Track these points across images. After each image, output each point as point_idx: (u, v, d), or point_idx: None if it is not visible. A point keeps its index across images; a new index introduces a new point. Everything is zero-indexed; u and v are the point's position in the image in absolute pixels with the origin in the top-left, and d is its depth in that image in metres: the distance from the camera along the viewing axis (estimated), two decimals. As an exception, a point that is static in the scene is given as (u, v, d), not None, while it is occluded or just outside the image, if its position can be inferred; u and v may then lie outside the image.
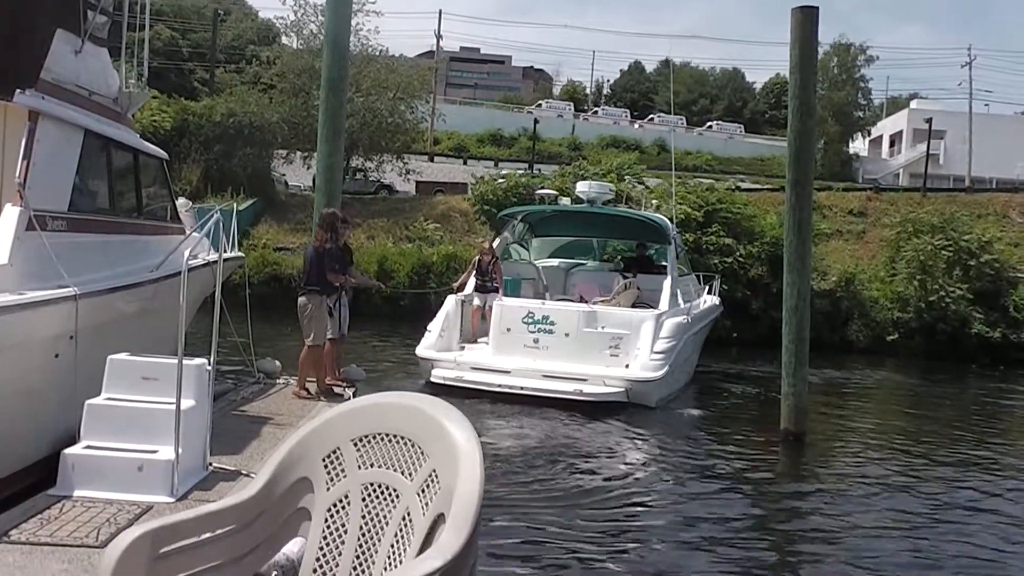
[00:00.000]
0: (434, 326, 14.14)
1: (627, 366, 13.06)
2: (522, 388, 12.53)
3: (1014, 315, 25.66)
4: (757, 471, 10.35)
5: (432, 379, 13.22)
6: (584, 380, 12.70)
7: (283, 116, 34.31)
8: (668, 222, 17.03)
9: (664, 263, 16.46)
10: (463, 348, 14.26)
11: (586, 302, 14.57)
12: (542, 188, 21.89)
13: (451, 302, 14.59)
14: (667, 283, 14.81)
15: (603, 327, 13.54)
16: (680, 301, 15.04)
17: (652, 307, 14.34)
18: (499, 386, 12.65)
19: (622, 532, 7.48)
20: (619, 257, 18.59)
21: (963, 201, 34.31)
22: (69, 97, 7.56)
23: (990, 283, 26.01)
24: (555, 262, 17.97)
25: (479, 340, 14.62)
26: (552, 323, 13.58)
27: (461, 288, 15.17)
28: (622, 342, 13.29)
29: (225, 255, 10.67)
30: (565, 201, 18.22)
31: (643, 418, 12.25)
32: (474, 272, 15.13)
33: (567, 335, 13.46)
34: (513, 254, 16.98)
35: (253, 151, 32.54)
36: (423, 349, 13.80)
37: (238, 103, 34.05)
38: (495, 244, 16.10)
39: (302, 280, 10.05)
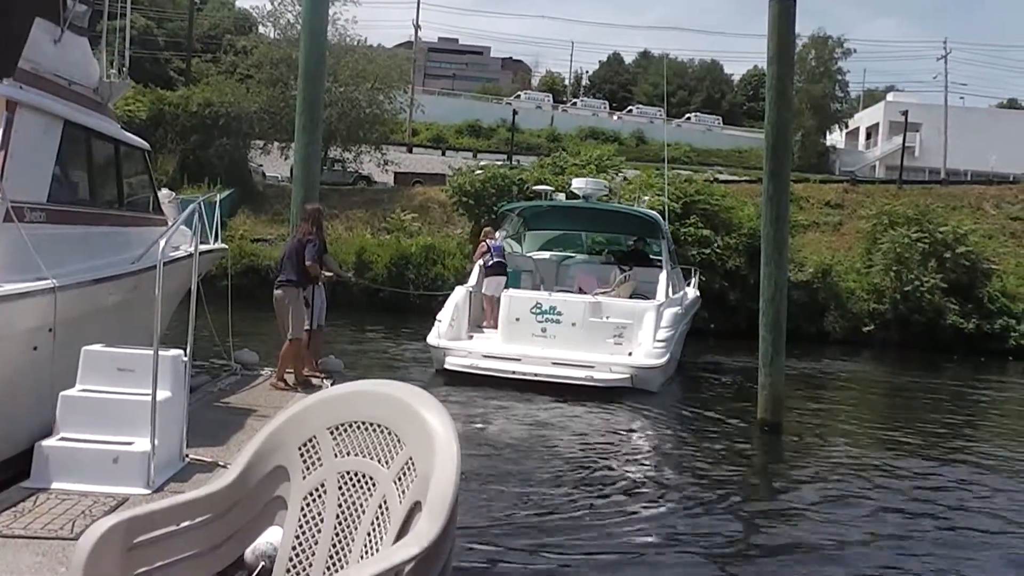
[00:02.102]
0: (444, 315, 14.56)
1: (630, 354, 13.65)
2: (535, 375, 13.09)
3: (988, 306, 25.98)
4: (733, 460, 10.41)
5: (447, 366, 13.71)
6: (592, 367, 13.23)
7: (260, 106, 34.12)
8: (661, 217, 17.47)
9: (653, 256, 17.15)
10: (471, 337, 14.82)
11: (585, 293, 15.09)
12: (539, 184, 22.25)
13: (460, 292, 15.18)
14: (663, 275, 15.51)
15: (607, 317, 14.17)
16: (671, 292, 15.60)
17: (648, 298, 14.88)
18: (513, 373, 13.19)
19: (601, 521, 7.49)
20: (606, 250, 18.80)
21: (938, 193, 34.66)
22: (48, 86, 7.46)
23: (965, 275, 26.32)
24: (547, 255, 18.40)
25: (484, 329, 15.30)
26: (559, 313, 14.21)
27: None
28: (625, 331, 13.91)
29: (207, 247, 10.65)
30: (561, 197, 18.59)
31: (640, 405, 12.61)
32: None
33: (574, 324, 14.10)
34: (507, 247, 17.21)
35: (230, 141, 32.33)
36: (434, 338, 14.20)
37: (215, 93, 33.84)
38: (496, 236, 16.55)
39: (277, 272, 10.00)
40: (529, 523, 7.26)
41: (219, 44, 50.11)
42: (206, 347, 10.75)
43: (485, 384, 12.98)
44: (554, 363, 13.32)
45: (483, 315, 15.56)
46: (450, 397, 12.55)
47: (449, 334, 14.26)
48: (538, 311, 14.25)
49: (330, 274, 10.65)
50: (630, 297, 15.08)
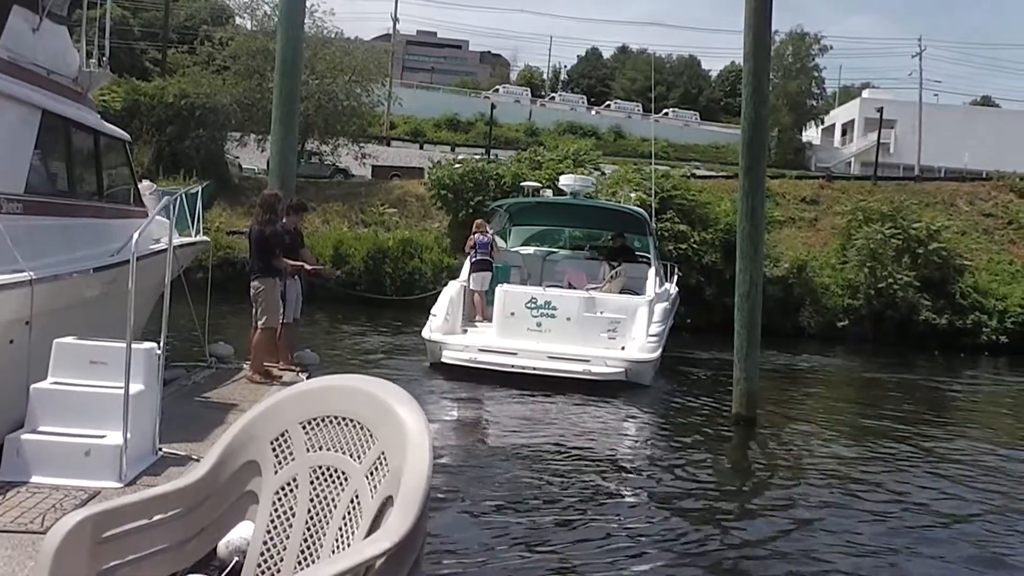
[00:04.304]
0: (438, 309, 14.76)
1: (623, 348, 13.86)
2: (534, 369, 13.32)
3: (960, 302, 26.24)
4: (707, 454, 10.48)
5: (444, 360, 13.89)
6: (588, 360, 13.45)
7: (236, 98, 33.89)
8: (647, 214, 17.65)
9: (639, 252, 17.33)
10: (465, 331, 15.00)
11: (574, 288, 15.27)
12: (525, 180, 22.26)
13: (454, 287, 15.37)
14: (652, 271, 15.84)
15: (601, 312, 14.33)
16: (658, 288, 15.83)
17: (638, 294, 15.13)
18: (511, 367, 13.37)
19: (578, 518, 7.52)
20: (588, 245, 18.86)
21: (912, 190, 34.90)
22: (26, 76, 7.36)
23: (937, 271, 26.55)
24: (531, 250, 18.46)
25: (476, 323, 15.49)
26: (554, 308, 14.40)
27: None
28: (619, 326, 14.10)
29: (189, 239, 10.57)
30: (548, 193, 18.67)
31: (629, 399, 12.84)
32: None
33: (568, 319, 14.30)
34: (497, 243, 17.27)
35: (206, 133, 32.05)
36: (430, 332, 14.36)
37: (191, 84, 33.59)
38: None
39: (251, 264, 9.93)
40: (506, 516, 7.28)
41: (195, 35, 49.79)
42: (182, 340, 10.70)
43: (480, 377, 13.17)
44: (550, 357, 13.53)
45: (473, 309, 15.72)
46: (445, 390, 12.75)
47: (444, 328, 14.43)
48: (533, 306, 14.43)
49: (310, 268, 10.55)
50: (620, 292, 15.29)
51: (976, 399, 17.83)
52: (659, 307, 14.78)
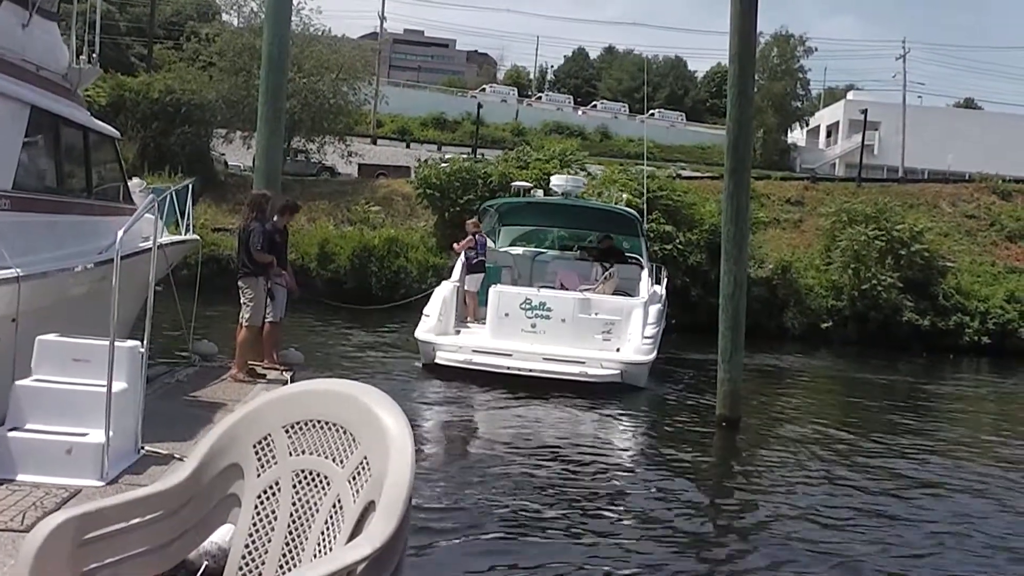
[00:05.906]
0: (431, 310, 14.60)
1: (618, 350, 13.82)
2: (530, 370, 13.23)
3: (943, 303, 26.46)
4: (691, 456, 10.50)
5: (438, 361, 13.75)
6: (583, 362, 13.40)
7: (223, 95, 33.78)
8: (638, 215, 17.66)
9: (628, 252, 17.34)
10: (458, 332, 14.89)
11: (566, 289, 15.22)
12: (518, 180, 22.26)
13: (447, 287, 15.21)
14: (644, 273, 15.91)
15: (596, 313, 14.27)
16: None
17: (630, 295, 15.12)
18: (507, 368, 13.27)
19: (563, 522, 7.53)
20: (577, 246, 18.87)
21: (896, 191, 35.14)
22: (15, 72, 7.32)
23: (921, 272, 26.77)
24: (519, 250, 18.40)
25: (468, 324, 15.43)
26: (549, 309, 14.33)
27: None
28: (614, 327, 14.06)
29: (179, 237, 10.53)
30: (539, 193, 18.59)
31: (620, 400, 12.84)
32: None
33: (563, 320, 14.22)
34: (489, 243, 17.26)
35: (192, 130, 31.99)
36: (423, 333, 14.22)
37: (177, 80, 33.48)
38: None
39: (238, 263, 9.91)
40: (497, 518, 7.29)
41: (182, 31, 49.52)
42: (168, 338, 10.65)
43: (474, 378, 13.10)
44: (545, 358, 13.45)
45: (465, 310, 15.63)
46: (439, 391, 12.71)
47: (437, 328, 14.31)
48: (527, 307, 14.34)
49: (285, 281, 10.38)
50: (613, 294, 15.25)
51: (957, 400, 17.93)
52: (653, 308, 14.74)
